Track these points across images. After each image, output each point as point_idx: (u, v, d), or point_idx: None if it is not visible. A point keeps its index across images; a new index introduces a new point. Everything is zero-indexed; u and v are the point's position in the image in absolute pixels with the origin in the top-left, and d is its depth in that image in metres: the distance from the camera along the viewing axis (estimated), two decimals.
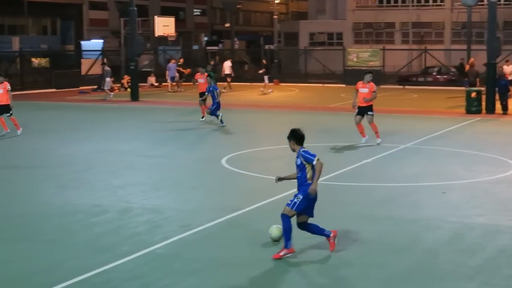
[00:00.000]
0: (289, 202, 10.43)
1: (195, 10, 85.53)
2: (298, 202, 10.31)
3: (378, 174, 17.39)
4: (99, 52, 54.08)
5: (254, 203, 14.02)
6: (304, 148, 10.40)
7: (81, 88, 44.51)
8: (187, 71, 46.11)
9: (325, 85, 51.20)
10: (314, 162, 10.21)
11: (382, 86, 43.48)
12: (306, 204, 10.34)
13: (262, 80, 45.07)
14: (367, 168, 18.21)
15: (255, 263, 10.32)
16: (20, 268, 10.24)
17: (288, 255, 10.39)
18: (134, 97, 38.90)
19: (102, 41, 57.88)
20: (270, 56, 60.04)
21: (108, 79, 41.36)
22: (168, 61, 48.54)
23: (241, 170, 17.70)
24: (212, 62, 47.62)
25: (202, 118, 28.16)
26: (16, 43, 50.78)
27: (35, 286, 9.49)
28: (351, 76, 44.38)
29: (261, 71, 46.17)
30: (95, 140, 23.01)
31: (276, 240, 11.06)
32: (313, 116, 30.77)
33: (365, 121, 21.73)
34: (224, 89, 43.84)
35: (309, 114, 31.47)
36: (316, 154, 10.28)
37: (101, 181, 16.41)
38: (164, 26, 54.48)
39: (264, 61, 47.56)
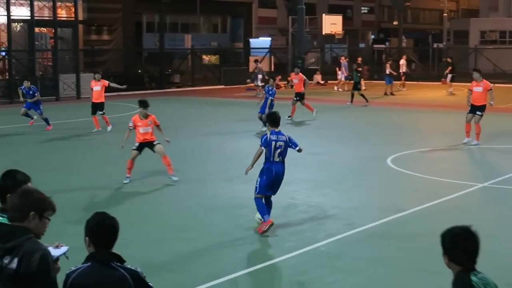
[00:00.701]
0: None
1: (362, 8, 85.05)
2: (257, 185, 11.94)
3: None
4: (267, 50, 54.95)
5: (419, 204, 13.81)
6: (269, 133, 12.04)
7: (248, 85, 45.36)
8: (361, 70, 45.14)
9: (496, 85, 49.38)
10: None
11: None
12: (263, 184, 11.79)
13: (434, 79, 43.79)
14: None
15: (420, 266, 10.17)
16: (187, 259, 10.61)
17: (269, 226, 11.47)
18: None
19: (270, 39, 58.67)
20: (439, 55, 58.67)
21: (260, 76, 42.09)
22: (339, 59, 48.27)
23: (406, 170, 17.46)
24: (346, 60, 46.05)
25: (289, 117, 27.69)
26: (188, 40, 52.51)
27: (201, 277, 9.79)
28: None
29: (447, 71, 44.60)
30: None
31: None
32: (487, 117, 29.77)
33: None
34: (399, 87, 43.29)
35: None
36: (262, 141, 11.95)
37: None
38: (332, 24, 54.52)
39: (448, 60, 46.17)
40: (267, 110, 23.70)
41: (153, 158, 16.19)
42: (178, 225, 12.43)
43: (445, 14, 67.52)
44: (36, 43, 39.54)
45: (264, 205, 11.75)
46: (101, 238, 4.98)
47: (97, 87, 24.60)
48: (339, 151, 20.53)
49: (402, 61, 45.97)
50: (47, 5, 39.32)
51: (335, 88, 45.23)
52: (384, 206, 13.73)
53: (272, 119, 12.33)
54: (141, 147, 15.57)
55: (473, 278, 4.73)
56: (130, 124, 15.64)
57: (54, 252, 5.30)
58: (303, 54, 40.74)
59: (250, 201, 13.91)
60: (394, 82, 42.50)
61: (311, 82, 48.52)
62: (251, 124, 27.09)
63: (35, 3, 38.00)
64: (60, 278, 4.95)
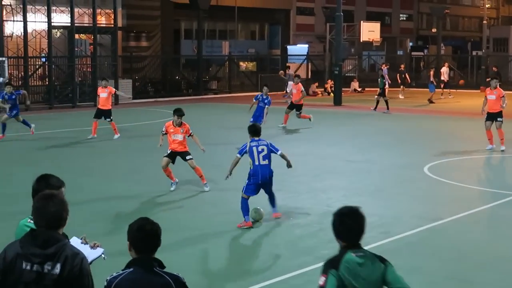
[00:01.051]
0: None
1: (401, 15, 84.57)
2: (244, 186, 12.86)
3: None
4: (304, 57, 54.90)
5: (456, 213, 13.70)
6: (248, 142, 12.93)
7: (285, 91, 45.29)
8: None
9: None
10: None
11: None
12: (249, 187, 12.75)
13: (473, 87, 43.33)
14: None
15: (458, 275, 10.08)
16: (221, 266, 10.63)
17: (245, 227, 12.43)
18: (337, 101, 39.18)
19: (307, 45, 58.64)
20: (478, 63, 58.14)
21: (290, 82, 42.10)
22: (380, 66, 47.95)
23: (443, 179, 17.32)
24: (386, 66, 45.49)
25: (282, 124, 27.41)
26: (225, 47, 52.69)
27: (235, 285, 9.81)
28: None
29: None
30: (298, 143, 23.41)
31: (256, 221, 12.86)
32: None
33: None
34: (443, 95, 42.96)
35: None
36: (240, 150, 12.92)
37: (303, 184, 16.67)
38: (370, 31, 54.35)
39: (494, 68, 45.75)
40: (265, 119, 23.52)
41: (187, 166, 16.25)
42: (210, 232, 12.45)
43: (484, 22, 66.83)
44: (76, 49, 40.03)
45: (248, 206, 12.69)
46: (142, 243, 5.00)
47: (103, 94, 24.36)
48: (376, 159, 20.43)
49: (444, 69, 45.57)
50: (87, 12, 39.78)
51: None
52: (421, 214, 13.63)
53: (254, 130, 13.20)
54: (172, 155, 15.59)
55: (348, 256, 5.16)
56: (163, 129, 15.73)
57: (92, 253, 5.38)
58: (340, 61, 40.59)
59: (283, 209, 13.93)
60: (441, 90, 42.26)
61: (348, 89, 48.44)
62: (286, 131, 27.12)
63: (76, 10, 38.47)
64: (97, 283, 5.00)
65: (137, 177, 17.49)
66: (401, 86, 44.38)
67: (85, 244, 5.46)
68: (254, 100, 24.61)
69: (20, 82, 37.87)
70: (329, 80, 48.56)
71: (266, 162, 12.79)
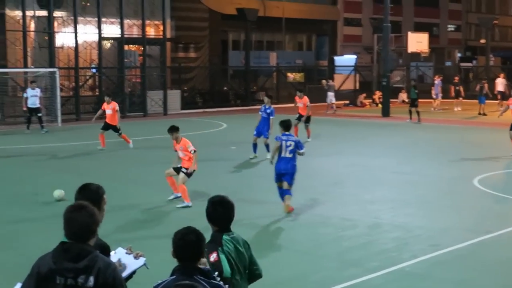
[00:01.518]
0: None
1: (449, 26, 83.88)
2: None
3: None
4: (351, 68, 54.82)
5: (506, 226, 13.54)
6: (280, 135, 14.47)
7: (332, 102, 45.25)
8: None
9: None
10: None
11: None
12: (275, 176, 14.54)
13: None
14: None
15: None
16: (272, 276, 10.68)
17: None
18: (385, 113, 39.03)
19: (355, 56, 58.49)
20: None
21: (331, 93, 42.05)
22: (433, 79, 47.51)
23: (493, 191, 17.15)
24: (439, 78, 44.86)
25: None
26: (273, 58, 52.86)
27: None
28: None
29: None
30: (346, 154, 23.37)
31: (58, 200, 14.96)
32: None
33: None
34: (500, 106, 42.45)
35: None
36: (276, 138, 14.47)
37: (351, 196, 16.64)
38: (417, 42, 54.04)
39: None
40: (271, 131, 22.12)
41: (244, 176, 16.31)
42: (262, 242, 12.51)
43: None
44: (126, 60, 40.55)
45: (281, 192, 14.50)
46: (184, 251, 5.10)
47: (108, 111, 24.30)
48: (424, 170, 20.29)
49: (499, 80, 44.93)
50: (136, 23, 40.30)
51: (432, 108, 43.83)
52: (471, 227, 13.52)
53: (286, 125, 14.65)
54: (177, 169, 15.33)
55: (224, 236, 5.92)
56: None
57: (135, 263, 5.51)
58: (388, 72, 40.44)
59: (334, 219, 13.95)
60: (499, 101, 41.80)
61: (396, 100, 48.15)
62: (331, 141, 27.08)
63: (125, 21, 39.00)
64: None
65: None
66: (459, 98, 43.56)
67: (129, 254, 5.62)
68: (259, 113, 23.27)
69: (71, 93, 38.53)
70: (377, 91, 48.39)
71: (290, 155, 14.32)
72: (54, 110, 33.65)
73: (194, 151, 14.98)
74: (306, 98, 27.16)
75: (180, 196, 15.35)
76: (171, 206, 15.18)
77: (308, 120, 26.85)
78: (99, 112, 25.45)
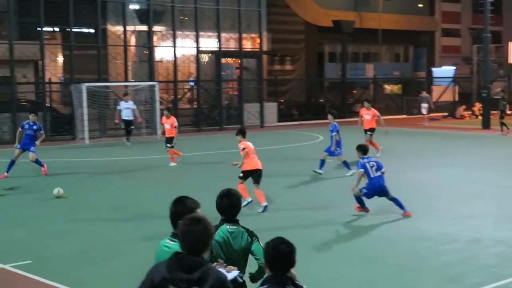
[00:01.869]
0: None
1: None
2: (363, 191, 15.36)
3: None
4: (450, 79, 53.86)
5: None
6: (360, 160, 15.43)
7: (431, 114, 44.59)
8: None
9: None
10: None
11: None
12: (367, 193, 15.37)
13: None
14: None
15: None
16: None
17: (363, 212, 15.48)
18: (486, 125, 38.20)
19: (454, 68, 57.50)
20: None
21: (424, 104, 41.31)
22: None
23: None
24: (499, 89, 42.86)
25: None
26: (370, 70, 52.54)
27: None
28: None
29: None
30: (445, 167, 22.94)
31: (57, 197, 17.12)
32: None
33: None
34: None
35: None
36: (359, 166, 15.30)
37: (450, 209, 16.31)
38: None
39: None
40: (333, 148, 21.52)
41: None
42: (358, 255, 12.40)
43: None
44: (223, 73, 41.06)
45: (360, 199, 15.48)
46: (275, 261, 5.17)
47: (167, 125, 23.90)
48: None
49: None
50: (233, 36, 40.79)
51: None
52: None
53: (364, 150, 15.81)
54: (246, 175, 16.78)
55: (224, 226, 6.51)
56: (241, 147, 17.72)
57: (228, 275, 5.59)
58: (488, 84, 39.57)
59: (433, 233, 13.69)
60: None
61: (496, 112, 46.91)
62: (429, 154, 26.63)
63: (222, 35, 39.52)
64: None
65: (278, 201, 17.64)
66: None
67: (222, 268, 5.72)
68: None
69: (170, 106, 39.28)
70: (477, 103, 47.37)
71: (379, 173, 15.18)
72: (154, 122, 34.35)
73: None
74: (374, 110, 26.45)
75: (251, 201, 16.21)
76: (262, 216, 15.23)
77: (373, 131, 26.00)
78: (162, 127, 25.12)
